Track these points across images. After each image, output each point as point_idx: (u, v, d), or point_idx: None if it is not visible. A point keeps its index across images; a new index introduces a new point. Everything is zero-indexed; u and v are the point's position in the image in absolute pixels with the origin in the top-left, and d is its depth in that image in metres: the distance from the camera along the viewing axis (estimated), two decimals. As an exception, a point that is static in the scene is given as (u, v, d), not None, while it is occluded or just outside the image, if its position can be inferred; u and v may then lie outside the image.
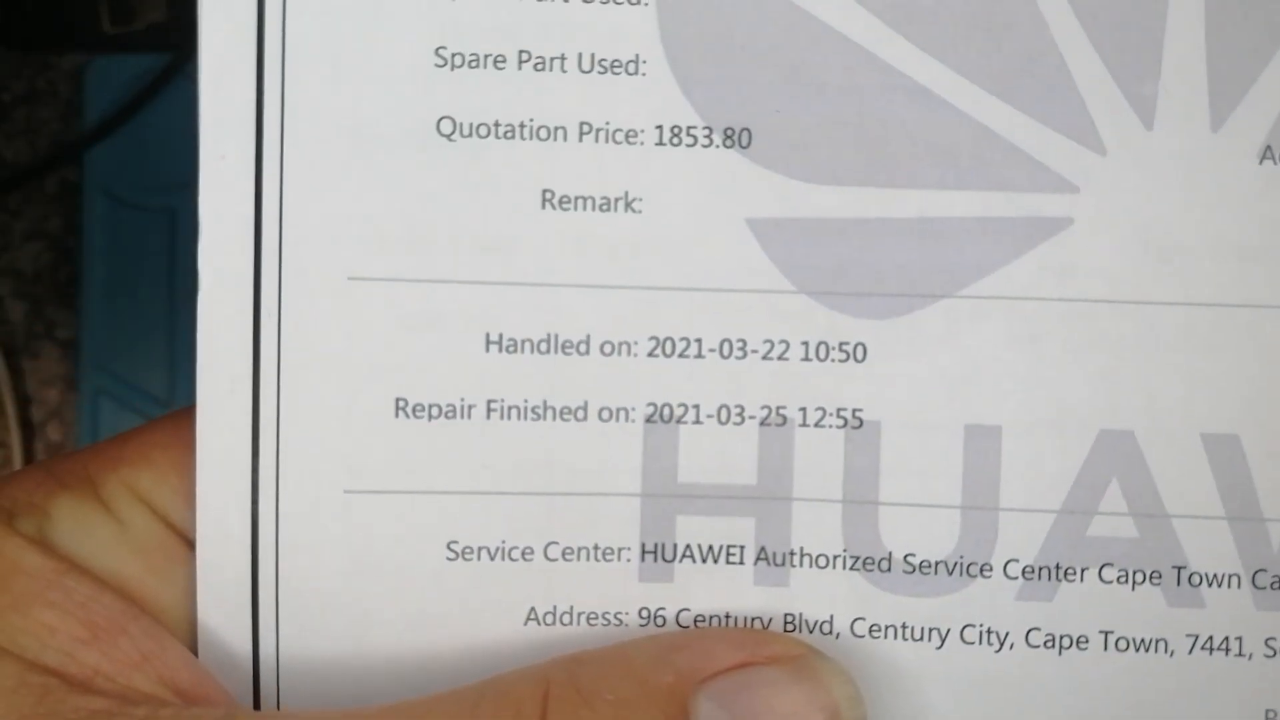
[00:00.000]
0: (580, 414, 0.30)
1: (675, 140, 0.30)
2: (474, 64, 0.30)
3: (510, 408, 0.30)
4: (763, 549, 0.31)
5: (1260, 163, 0.30)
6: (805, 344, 0.30)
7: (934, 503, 0.31)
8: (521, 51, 0.30)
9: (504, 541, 0.31)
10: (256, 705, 0.31)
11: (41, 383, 0.67)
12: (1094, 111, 0.30)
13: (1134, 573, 0.31)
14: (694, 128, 0.30)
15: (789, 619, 0.31)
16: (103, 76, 0.67)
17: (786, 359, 0.30)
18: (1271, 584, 0.31)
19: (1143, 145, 0.30)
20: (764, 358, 0.30)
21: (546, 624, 0.31)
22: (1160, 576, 0.31)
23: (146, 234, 0.66)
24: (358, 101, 0.30)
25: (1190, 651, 0.31)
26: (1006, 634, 0.31)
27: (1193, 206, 0.30)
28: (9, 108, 0.67)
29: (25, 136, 0.67)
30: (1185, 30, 0.30)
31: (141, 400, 0.66)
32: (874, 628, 0.31)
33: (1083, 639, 0.31)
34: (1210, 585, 0.31)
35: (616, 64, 0.30)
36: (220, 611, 0.30)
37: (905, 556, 0.31)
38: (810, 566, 0.31)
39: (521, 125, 0.30)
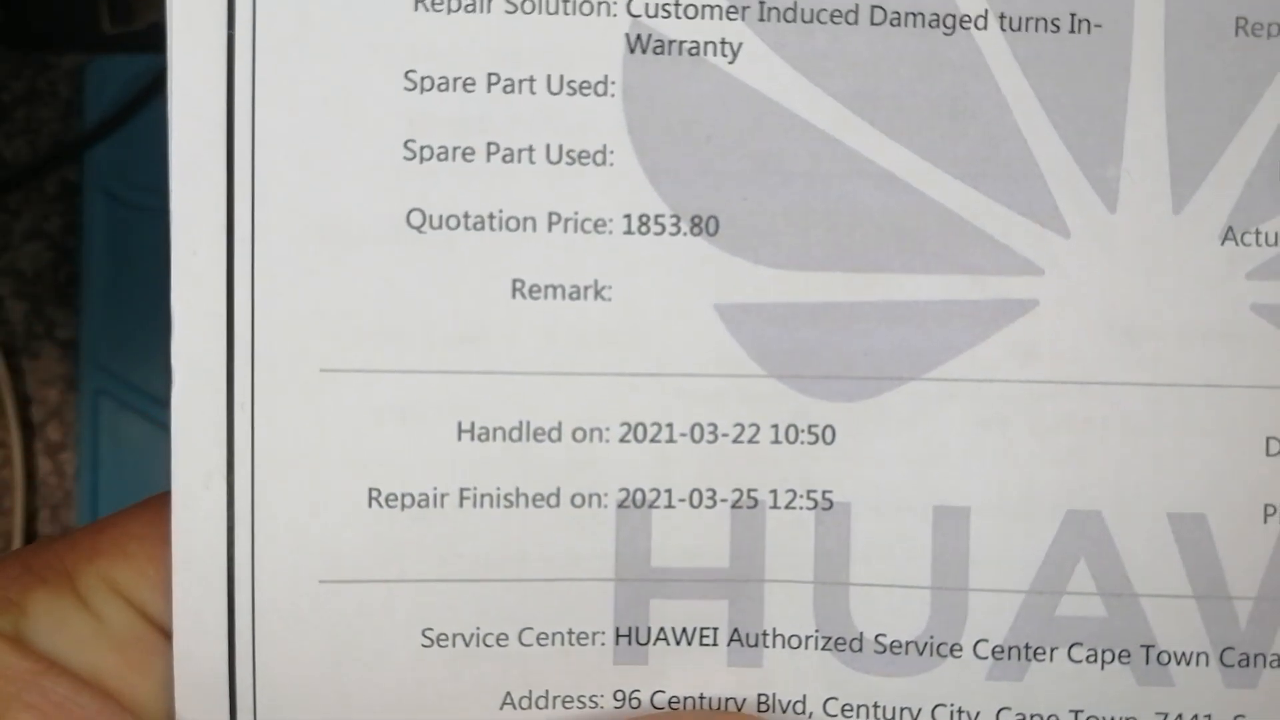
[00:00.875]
0: (553, 500, 0.31)
1: (644, 229, 0.30)
2: (443, 156, 0.30)
3: (483, 496, 0.30)
4: (736, 630, 0.31)
5: (1222, 243, 0.30)
6: (775, 427, 0.31)
7: (904, 583, 0.31)
8: (490, 143, 0.30)
9: (479, 628, 0.31)
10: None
11: (41, 383, 0.67)
12: (1057, 194, 0.30)
13: (1103, 652, 0.31)
14: (662, 216, 0.30)
15: (763, 699, 0.31)
16: (103, 76, 0.67)
17: (757, 442, 0.31)
18: (1240, 662, 0.31)
19: (1106, 227, 0.30)
20: (734, 441, 0.31)
21: (522, 708, 0.31)
22: (1129, 656, 0.31)
23: (146, 234, 0.65)
24: (328, 195, 0.30)
25: None
26: (978, 714, 0.31)
27: (1156, 287, 0.30)
28: (9, 108, 0.67)
29: (25, 136, 0.68)
30: (1146, 113, 0.30)
31: (141, 400, 0.66)
32: (846, 708, 0.31)
33: (1053, 718, 0.31)
34: (1179, 664, 0.31)
35: (584, 155, 0.30)
36: (198, 704, 0.30)
37: (876, 636, 0.31)
38: (783, 647, 0.31)
39: (491, 216, 0.30)
